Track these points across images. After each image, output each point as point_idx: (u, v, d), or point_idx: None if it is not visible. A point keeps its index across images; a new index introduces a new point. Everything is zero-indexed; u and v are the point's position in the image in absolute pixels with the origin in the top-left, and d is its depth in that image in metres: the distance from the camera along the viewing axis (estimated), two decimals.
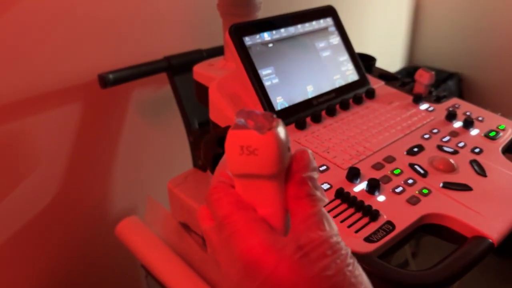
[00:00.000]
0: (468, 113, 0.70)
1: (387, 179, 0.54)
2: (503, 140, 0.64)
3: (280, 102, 0.64)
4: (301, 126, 0.63)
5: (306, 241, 0.27)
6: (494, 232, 0.47)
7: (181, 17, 0.96)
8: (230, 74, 0.66)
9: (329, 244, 0.28)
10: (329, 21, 0.75)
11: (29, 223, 0.85)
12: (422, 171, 0.56)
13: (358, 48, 0.77)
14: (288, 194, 0.30)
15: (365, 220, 0.48)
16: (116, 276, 1.05)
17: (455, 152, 0.60)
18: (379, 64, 0.83)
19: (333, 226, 0.29)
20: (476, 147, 0.61)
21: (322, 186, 0.52)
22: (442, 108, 0.71)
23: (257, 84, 0.63)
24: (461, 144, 0.62)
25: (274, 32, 0.67)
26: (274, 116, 0.28)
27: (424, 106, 0.71)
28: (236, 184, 0.30)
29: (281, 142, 0.27)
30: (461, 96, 1.82)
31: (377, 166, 0.56)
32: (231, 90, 0.64)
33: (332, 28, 0.75)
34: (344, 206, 0.49)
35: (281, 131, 0.28)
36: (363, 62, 0.77)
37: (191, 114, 0.88)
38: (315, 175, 0.30)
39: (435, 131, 0.65)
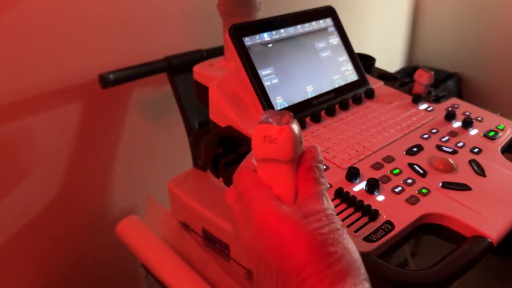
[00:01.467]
0: (467, 113, 0.70)
1: (386, 179, 0.54)
2: (502, 140, 0.64)
3: (280, 102, 0.64)
4: (300, 126, 0.63)
5: (307, 210, 0.35)
6: (493, 231, 0.47)
7: (181, 17, 0.97)
8: (230, 74, 0.66)
9: (325, 213, 0.35)
10: (328, 21, 0.75)
11: (29, 223, 0.86)
12: (421, 171, 0.56)
13: (357, 48, 0.78)
14: (298, 177, 0.37)
15: (365, 219, 0.48)
16: (116, 276, 1.05)
17: (454, 152, 0.60)
18: (378, 64, 0.83)
19: (330, 205, 0.36)
20: (475, 147, 0.62)
21: None
22: (441, 108, 0.71)
23: (257, 84, 0.63)
24: (460, 144, 0.62)
25: (273, 32, 0.67)
26: (291, 114, 0.36)
27: (423, 106, 0.71)
28: (258, 167, 0.38)
29: (295, 134, 0.36)
30: (460, 96, 1.82)
31: (377, 166, 0.56)
32: (231, 90, 0.64)
33: (332, 29, 0.75)
34: (343, 205, 0.50)
35: (295, 126, 0.36)
36: (363, 62, 0.77)
37: (191, 114, 0.88)
38: (321, 166, 0.38)
39: (434, 131, 0.65)
